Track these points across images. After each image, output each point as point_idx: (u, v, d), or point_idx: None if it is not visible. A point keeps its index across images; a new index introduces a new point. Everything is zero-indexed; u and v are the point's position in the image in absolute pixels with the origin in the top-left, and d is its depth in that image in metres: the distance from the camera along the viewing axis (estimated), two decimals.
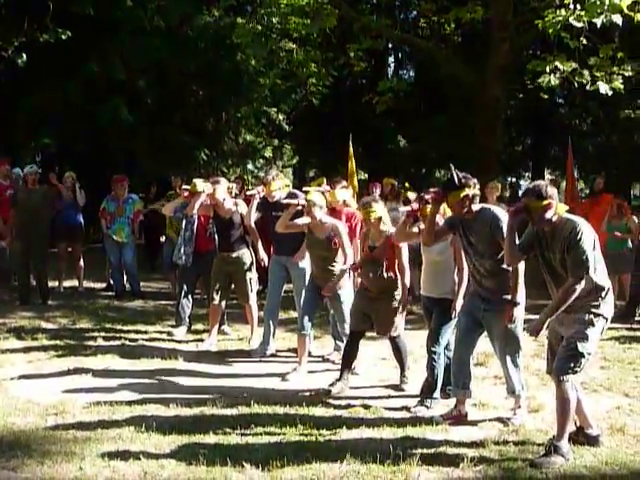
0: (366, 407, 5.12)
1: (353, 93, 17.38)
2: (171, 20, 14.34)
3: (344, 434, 4.56)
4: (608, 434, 4.51)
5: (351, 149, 10.52)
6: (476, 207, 4.74)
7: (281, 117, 18.57)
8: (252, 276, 6.97)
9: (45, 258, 9.23)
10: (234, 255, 6.88)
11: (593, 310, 4.13)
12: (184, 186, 7.62)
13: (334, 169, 18.60)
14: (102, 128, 13.74)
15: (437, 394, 5.16)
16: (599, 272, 4.13)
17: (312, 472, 3.97)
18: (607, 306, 4.19)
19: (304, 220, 6.02)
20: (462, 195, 4.66)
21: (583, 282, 4.02)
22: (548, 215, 4.11)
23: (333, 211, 6.63)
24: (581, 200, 12.88)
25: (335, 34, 13.36)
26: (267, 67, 15.75)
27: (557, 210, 4.13)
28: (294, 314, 7.04)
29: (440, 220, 5.02)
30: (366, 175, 22.90)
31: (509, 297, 4.60)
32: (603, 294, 4.16)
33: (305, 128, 21.33)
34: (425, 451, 4.27)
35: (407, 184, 10.69)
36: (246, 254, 6.92)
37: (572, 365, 4.11)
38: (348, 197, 6.98)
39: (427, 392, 5.18)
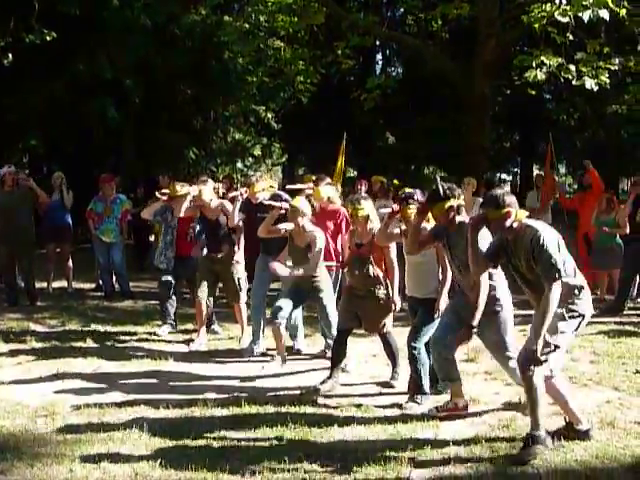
0: (357, 405, 5.11)
1: (341, 91, 17.39)
2: (158, 19, 14.29)
3: (335, 432, 4.55)
4: (598, 428, 4.52)
5: (343, 146, 10.51)
6: (459, 218, 4.77)
7: (270, 115, 18.54)
8: (240, 275, 6.96)
9: (31, 259, 9.15)
10: (220, 255, 6.87)
11: (567, 306, 4.14)
12: (163, 190, 7.59)
13: (323, 167, 18.56)
14: (89, 128, 13.68)
15: (426, 389, 5.16)
16: (569, 271, 4.12)
17: (303, 471, 3.96)
18: (582, 303, 4.19)
19: (287, 226, 5.98)
20: (447, 206, 4.69)
21: (559, 286, 4.00)
22: (507, 223, 4.15)
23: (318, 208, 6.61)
24: (568, 195, 12.98)
25: (322, 32, 13.35)
26: (255, 65, 15.72)
27: (517, 217, 4.16)
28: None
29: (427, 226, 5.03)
30: (355, 172, 22.93)
31: (494, 306, 4.63)
32: (576, 291, 4.16)
33: (294, 126, 21.31)
34: (416, 448, 4.26)
35: (396, 181, 10.65)
36: (233, 253, 6.91)
37: (531, 357, 4.07)
38: (332, 194, 6.93)
39: (414, 388, 5.18)
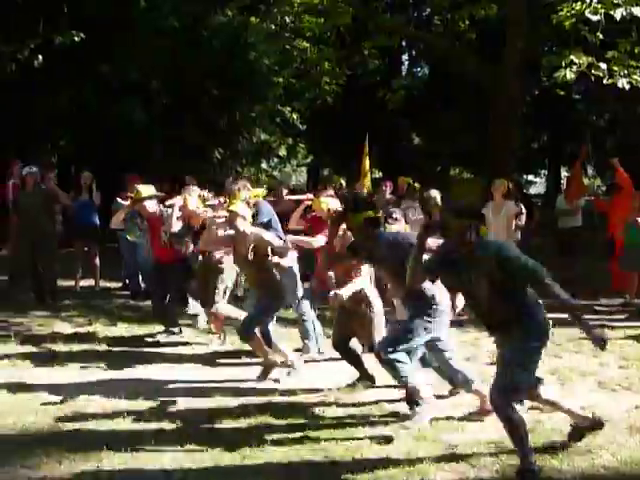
0: (379, 408, 5.08)
1: (367, 91, 17.37)
2: (185, 20, 14.39)
3: (358, 435, 4.53)
4: (627, 434, 4.44)
5: (367, 147, 10.48)
6: (377, 231, 4.68)
7: (295, 116, 18.57)
8: (219, 285, 6.86)
9: (52, 259, 9.17)
10: (210, 263, 6.88)
11: (531, 335, 3.88)
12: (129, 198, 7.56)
13: (348, 168, 18.58)
14: (117, 128, 13.82)
15: (423, 394, 4.91)
16: (529, 294, 3.90)
17: (327, 474, 3.95)
18: (539, 326, 3.94)
19: (228, 233, 5.77)
20: (363, 218, 4.59)
21: (551, 280, 3.73)
22: (467, 236, 3.84)
23: (317, 220, 6.50)
24: (599, 196, 12.77)
25: (349, 32, 13.34)
26: (281, 66, 15.76)
27: (479, 232, 3.89)
28: (285, 313, 7.00)
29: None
30: (380, 174, 22.88)
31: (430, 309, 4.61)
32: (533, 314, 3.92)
33: (319, 127, 21.34)
34: (441, 451, 4.23)
35: (417, 183, 10.54)
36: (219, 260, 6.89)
37: (512, 390, 3.88)
38: (333, 205, 6.42)
39: (410, 398, 4.94)
